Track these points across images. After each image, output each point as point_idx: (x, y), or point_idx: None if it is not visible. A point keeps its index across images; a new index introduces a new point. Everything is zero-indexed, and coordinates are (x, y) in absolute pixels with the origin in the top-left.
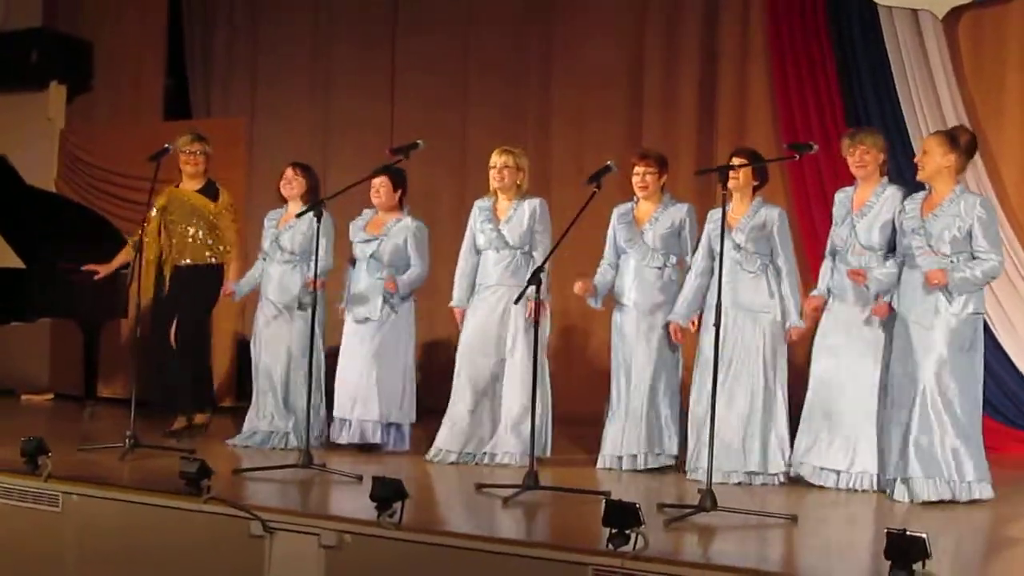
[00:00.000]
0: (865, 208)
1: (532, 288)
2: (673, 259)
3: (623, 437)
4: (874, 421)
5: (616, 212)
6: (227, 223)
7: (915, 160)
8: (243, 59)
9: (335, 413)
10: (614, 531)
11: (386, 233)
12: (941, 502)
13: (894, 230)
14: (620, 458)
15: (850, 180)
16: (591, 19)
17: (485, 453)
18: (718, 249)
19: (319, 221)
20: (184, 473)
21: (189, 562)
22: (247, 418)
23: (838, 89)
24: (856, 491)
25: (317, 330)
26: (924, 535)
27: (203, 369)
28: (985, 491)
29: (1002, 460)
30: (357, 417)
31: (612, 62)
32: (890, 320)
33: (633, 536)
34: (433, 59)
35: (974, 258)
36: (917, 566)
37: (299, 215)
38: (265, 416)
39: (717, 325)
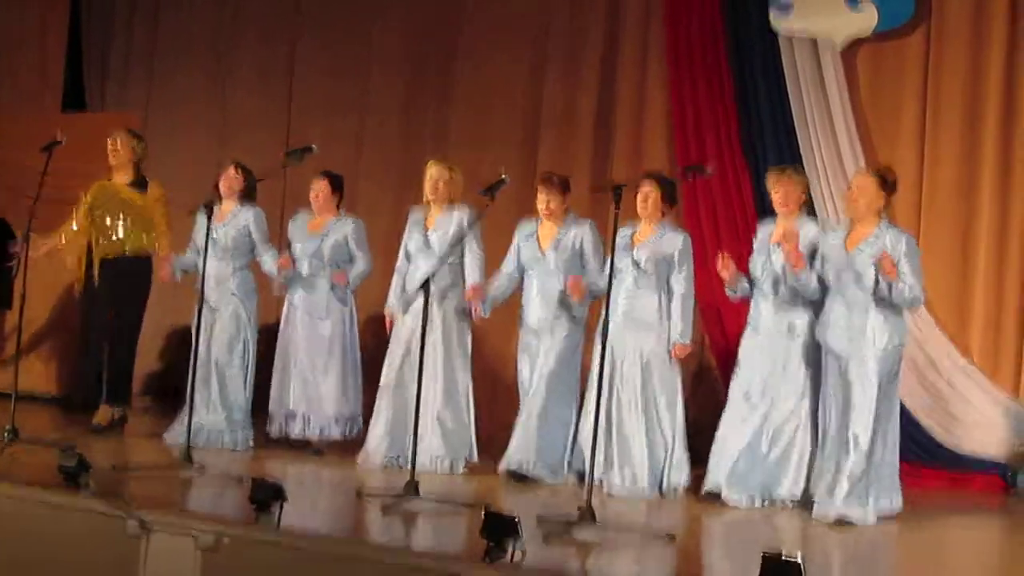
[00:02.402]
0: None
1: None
2: (575, 276)
3: (524, 448)
4: (790, 445)
5: (519, 231)
6: (158, 216)
7: (847, 196)
8: (142, 53)
9: (299, 409)
10: (492, 543)
11: (326, 232)
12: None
13: (809, 260)
14: (519, 470)
15: (741, 204)
16: (493, 35)
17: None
18: (618, 266)
19: (209, 217)
20: (63, 467)
21: (63, 559)
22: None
23: (735, 115)
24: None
25: (249, 326)
26: (799, 559)
27: (130, 363)
28: (896, 506)
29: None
30: (311, 412)
31: (512, 78)
32: (810, 349)
33: (511, 548)
34: (333, 66)
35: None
36: None
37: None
38: (198, 412)
39: (604, 338)
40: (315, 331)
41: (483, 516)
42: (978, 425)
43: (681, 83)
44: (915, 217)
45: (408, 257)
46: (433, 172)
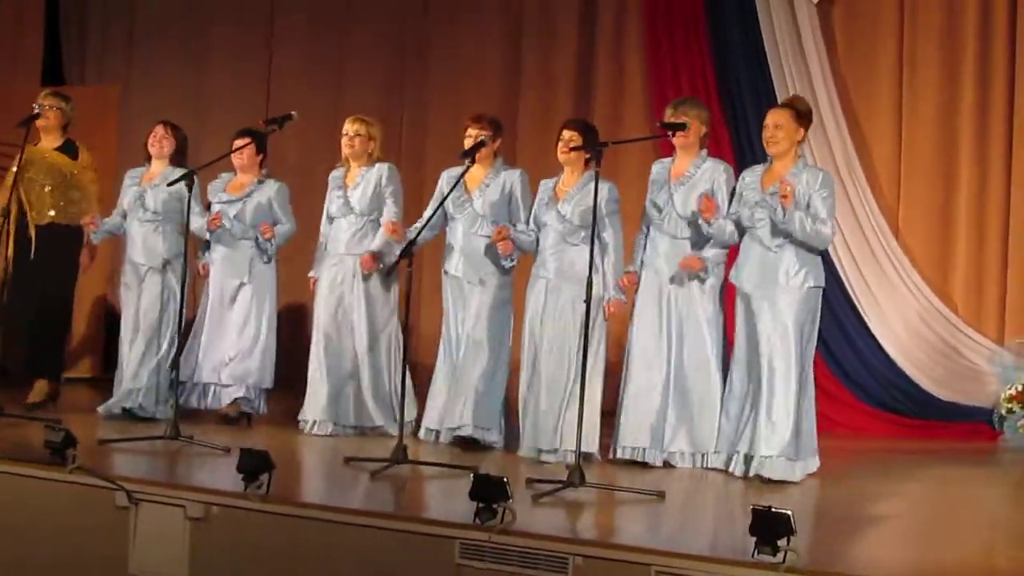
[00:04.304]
0: (684, 178)
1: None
2: (502, 225)
3: (447, 410)
4: (696, 396)
5: (445, 175)
6: (87, 182)
7: (766, 135)
8: (119, 27)
9: (200, 378)
10: (481, 505)
11: (248, 194)
12: (783, 482)
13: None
14: (438, 432)
15: (729, 157)
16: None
17: (347, 426)
18: (543, 220)
19: (190, 190)
20: (49, 442)
21: (53, 533)
22: (115, 385)
23: (713, 71)
24: (702, 469)
25: (177, 292)
26: (790, 512)
27: (59, 336)
28: (813, 465)
29: (868, 440)
30: (225, 381)
31: (490, 34)
32: (712, 290)
33: (500, 511)
34: (310, 41)
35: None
36: (782, 542)
37: (171, 183)
38: (126, 379)
39: (588, 301)
40: (234, 296)
41: (472, 479)
42: (965, 375)
43: (658, 41)
44: (895, 169)
45: (330, 220)
46: (348, 128)
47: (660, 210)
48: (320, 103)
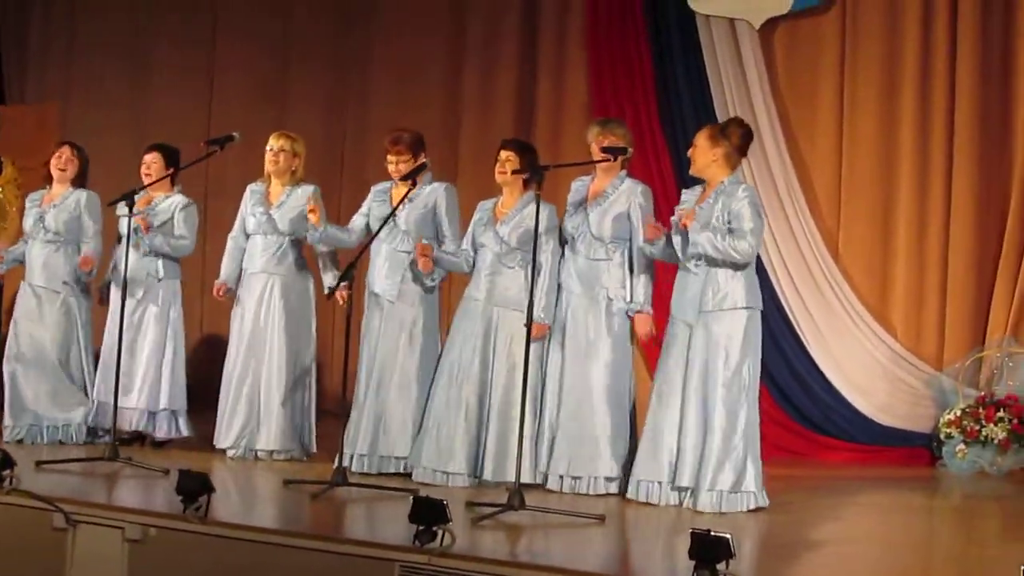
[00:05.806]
0: (600, 199)
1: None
2: (425, 243)
3: (359, 435)
4: (609, 421)
5: (373, 190)
6: (10, 197)
7: (688, 154)
8: (59, 47)
9: (99, 398)
10: (421, 528)
11: (153, 208)
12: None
13: (626, 223)
14: (352, 457)
15: (662, 184)
16: (411, 22)
17: (251, 448)
18: (480, 241)
19: (131, 211)
20: None
21: None
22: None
23: (655, 95)
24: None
25: (80, 318)
26: (729, 536)
27: None
28: (764, 499)
29: (808, 466)
30: (125, 405)
31: (432, 55)
32: (620, 317)
33: (440, 533)
34: (253, 58)
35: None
36: (721, 566)
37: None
38: (26, 409)
39: (528, 325)
40: (132, 312)
41: (412, 502)
42: (904, 399)
43: (600, 65)
44: (835, 196)
45: (246, 235)
46: (273, 143)
47: (575, 231)
48: (262, 124)
